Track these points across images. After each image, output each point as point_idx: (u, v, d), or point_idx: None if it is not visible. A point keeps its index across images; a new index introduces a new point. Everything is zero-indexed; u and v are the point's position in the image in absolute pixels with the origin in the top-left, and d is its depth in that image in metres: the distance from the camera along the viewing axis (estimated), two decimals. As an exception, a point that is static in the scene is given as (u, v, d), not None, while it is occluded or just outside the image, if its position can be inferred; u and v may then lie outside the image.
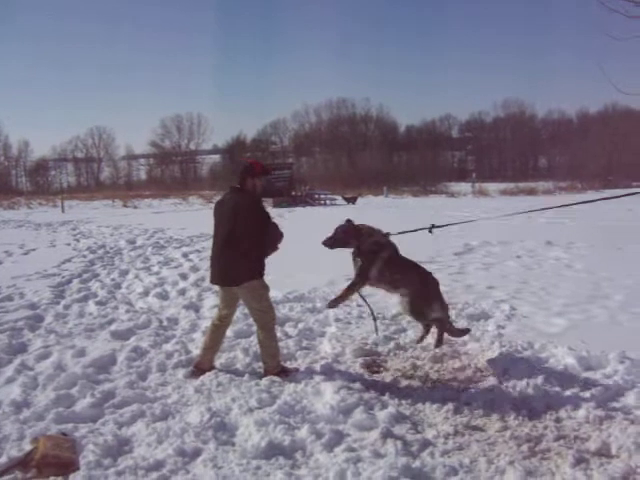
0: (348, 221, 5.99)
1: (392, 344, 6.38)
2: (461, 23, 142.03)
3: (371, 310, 6.25)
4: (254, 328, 6.97)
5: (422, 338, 6.26)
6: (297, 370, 5.65)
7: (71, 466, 3.89)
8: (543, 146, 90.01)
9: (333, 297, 6.07)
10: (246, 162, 5.73)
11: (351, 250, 5.93)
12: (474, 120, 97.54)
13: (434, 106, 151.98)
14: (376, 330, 6.32)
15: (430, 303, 5.88)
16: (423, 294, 5.85)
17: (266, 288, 5.61)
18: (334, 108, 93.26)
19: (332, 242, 5.96)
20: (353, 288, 5.85)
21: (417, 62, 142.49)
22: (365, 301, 6.23)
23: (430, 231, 6.19)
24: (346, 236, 5.89)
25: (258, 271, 5.52)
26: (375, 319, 6.28)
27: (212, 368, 5.77)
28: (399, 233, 6.12)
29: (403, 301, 5.93)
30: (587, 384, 5.13)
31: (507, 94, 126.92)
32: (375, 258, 5.75)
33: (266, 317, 5.61)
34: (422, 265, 6.20)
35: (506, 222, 20.53)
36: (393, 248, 5.91)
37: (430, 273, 6.08)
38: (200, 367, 5.74)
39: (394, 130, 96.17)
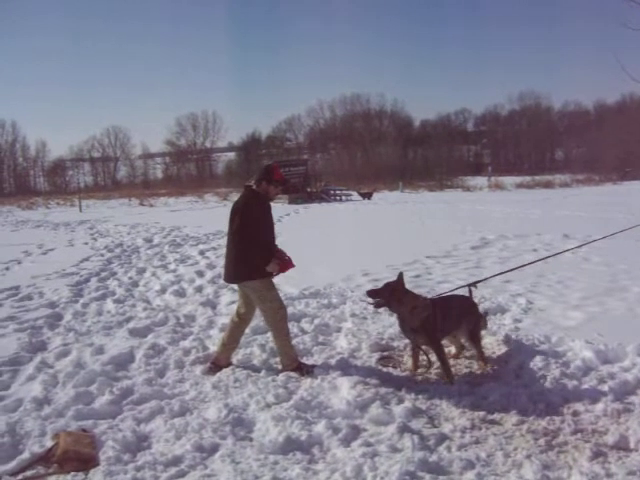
0: (400, 276, 5.51)
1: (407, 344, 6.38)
2: (476, 17, 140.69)
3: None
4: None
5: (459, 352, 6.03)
6: (314, 367, 5.67)
7: (91, 461, 3.95)
8: (560, 138, 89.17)
9: (446, 375, 5.42)
10: (268, 165, 5.76)
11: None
12: (489, 113, 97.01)
13: (449, 100, 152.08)
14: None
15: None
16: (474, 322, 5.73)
17: (269, 289, 5.62)
18: (348, 104, 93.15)
19: (376, 294, 5.51)
20: (444, 355, 5.47)
21: (431, 56, 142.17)
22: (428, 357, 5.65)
23: (471, 294, 5.96)
24: (390, 296, 5.44)
25: (258, 271, 5.53)
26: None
27: (229, 364, 5.81)
28: (437, 296, 6.07)
29: (465, 335, 5.75)
30: (605, 377, 5.10)
31: (523, 87, 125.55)
32: (429, 321, 5.41)
33: (271, 318, 5.66)
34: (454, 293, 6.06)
35: (523, 215, 20.44)
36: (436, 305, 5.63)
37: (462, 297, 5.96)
38: (217, 363, 5.78)
39: (409, 125, 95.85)
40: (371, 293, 5.56)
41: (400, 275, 5.52)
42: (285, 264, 5.68)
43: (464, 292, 6.03)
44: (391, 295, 5.42)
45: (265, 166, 5.75)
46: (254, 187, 5.63)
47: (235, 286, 9.10)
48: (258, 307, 5.71)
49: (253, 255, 5.46)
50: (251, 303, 5.78)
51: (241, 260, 5.53)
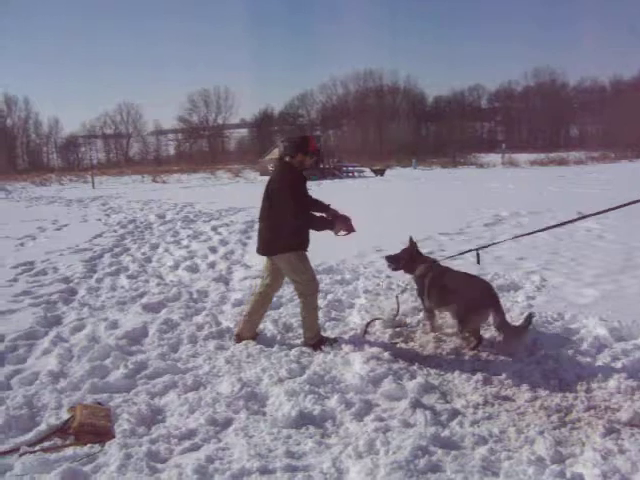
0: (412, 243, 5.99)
1: (421, 315, 6.36)
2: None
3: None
4: (283, 300, 7.05)
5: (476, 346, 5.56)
6: (336, 340, 5.66)
7: (107, 434, 3.99)
8: (575, 115, 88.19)
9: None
10: (304, 137, 5.63)
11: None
12: (504, 90, 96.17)
13: (463, 76, 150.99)
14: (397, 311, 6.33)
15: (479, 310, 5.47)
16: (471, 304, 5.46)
17: (303, 261, 5.60)
18: (361, 80, 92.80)
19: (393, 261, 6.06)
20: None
21: (445, 33, 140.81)
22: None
23: (478, 259, 6.06)
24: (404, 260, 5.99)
25: (294, 244, 5.52)
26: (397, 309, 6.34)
27: (255, 336, 5.84)
28: (447, 258, 6.25)
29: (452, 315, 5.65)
30: (618, 354, 5.07)
31: (538, 63, 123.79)
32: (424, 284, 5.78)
33: (304, 289, 5.62)
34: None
35: (537, 192, 20.28)
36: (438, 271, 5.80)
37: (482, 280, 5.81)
38: (241, 336, 5.81)
39: (422, 101, 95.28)
40: (389, 259, 6.08)
41: (411, 240, 6.00)
42: (348, 223, 5.57)
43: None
44: (408, 257, 5.95)
45: (301, 137, 5.61)
46: (287, 159, 5.53)
47: (248, 262, 9.11)
48: (292, 279, 5.68)
49: (290, 227, 5.43)
50: (277, 275, 5.76)
51: (277, 232, 5.50)
